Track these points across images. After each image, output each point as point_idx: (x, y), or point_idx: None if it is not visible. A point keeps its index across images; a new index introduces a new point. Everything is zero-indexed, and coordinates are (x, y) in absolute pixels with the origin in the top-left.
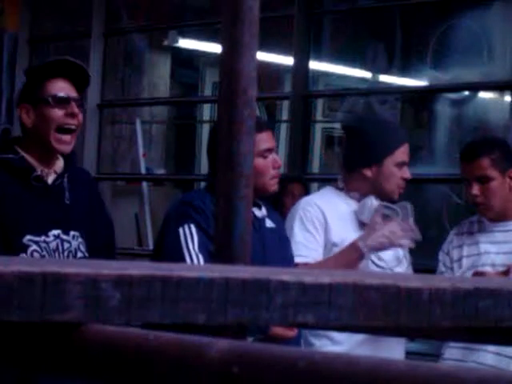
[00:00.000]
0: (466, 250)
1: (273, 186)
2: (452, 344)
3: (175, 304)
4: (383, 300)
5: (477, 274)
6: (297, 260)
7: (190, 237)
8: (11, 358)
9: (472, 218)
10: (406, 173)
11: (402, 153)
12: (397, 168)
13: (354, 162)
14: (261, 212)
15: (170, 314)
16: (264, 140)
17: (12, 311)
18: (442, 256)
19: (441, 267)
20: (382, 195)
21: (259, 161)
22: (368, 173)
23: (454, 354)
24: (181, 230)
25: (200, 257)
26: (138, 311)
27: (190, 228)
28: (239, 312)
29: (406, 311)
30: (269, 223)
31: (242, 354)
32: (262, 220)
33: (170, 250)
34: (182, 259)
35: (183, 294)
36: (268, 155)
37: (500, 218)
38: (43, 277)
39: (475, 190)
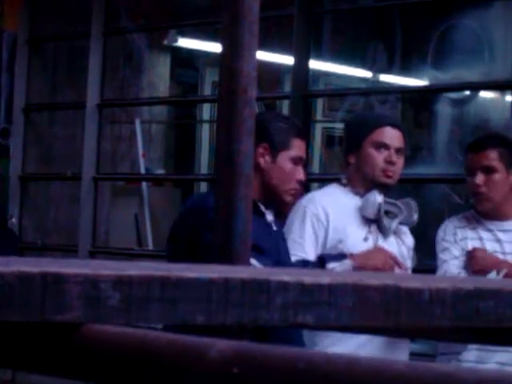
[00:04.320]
0: (469, 244)
1: (289, 197)
2: (469, 346)
3: (174, 304)
4: (383, 300)
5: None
6: (292, 259)
7: None
8: (11, 358)
9: (465, 213)
10: (390, 156)
11: (379, 134)
12: (375, 150)
13: (344, 152)
14: (270, 216)
15: (170, 314)
16: (300, 147)
17: (12, 311)
18: (448, 244)
19: (446, 255)
20: (369, 181)
21: (289, 165)
22: (352, 159)
23: (471, 356)
24: None
25: (251, 260)
26: (137, 311)
27: None
28: (239, 312)
29: (406, 311)
30: (274, 226)
31: (242, 355)
32: (271, 224)
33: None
34: None
35: (182, 294)
36: (298, 164)
37: (497, 216)
38: (43, 277)
39: (479, 179)
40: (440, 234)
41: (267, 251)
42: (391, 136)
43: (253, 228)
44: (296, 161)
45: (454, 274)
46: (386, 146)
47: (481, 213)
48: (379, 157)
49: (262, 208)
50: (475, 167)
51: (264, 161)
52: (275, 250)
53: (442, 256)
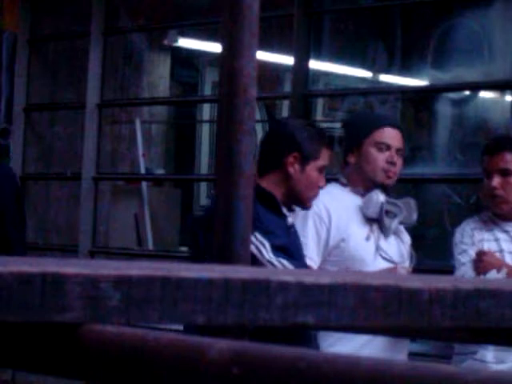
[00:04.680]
0: (486, 246)
1: (310, 203)
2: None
3: (175, 304)
4: (383, 300)
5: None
6: None
7: (262, 245)
8: (11, 358)
9: (481, 215)
10: (391, 156)
11: (381, 134)
12: (377, 150)
13: (343, 152)
14: (291, 218)
15: (170, 314)
16: (327, 156)
17: (12, 311)
18: (466, 246)
19: (465, 257)
20: (371, 180)
21: (315, 174)
22: (351, 159)
23: (489, 356)
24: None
25: (282, 260)
26: (137, 311)
27: (256, 237)
28: (239, 312)
29: (406, 311)
30: (293, 229)
31: (242, 355)
32: (291, 226)
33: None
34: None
35: (183, 294)
36: (322, 172)
37: (510, 216)
38: (43, 277)
39: (495, 182)
40: (457, 236)
41: (293, 253)
42: (392, 136)
43: (280, 230)
44: (321, 169)
45: (473, 276)
46: (387, 147)
47: (497, 214)
48: (380, 157)
49: (285, 211)
50: (492, 170)
51: (293, 169)
52: (296, 252)
53: (460, 258)
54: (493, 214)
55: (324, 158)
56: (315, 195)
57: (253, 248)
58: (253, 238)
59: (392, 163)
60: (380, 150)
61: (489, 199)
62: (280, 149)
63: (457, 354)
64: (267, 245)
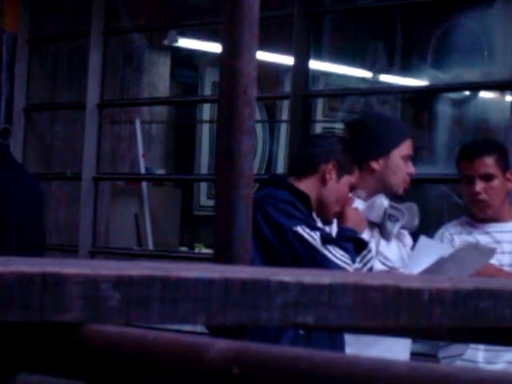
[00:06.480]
0: None
1: (333, 218)
2: (473, 345)
3: (175, 304)
4: (383, 300)
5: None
6: None
7: (315, 234)
8: (11, 359)
9: (459, 219)
10: (411, 167)
11: (407, 146)
12: (403, 161)
13: (360, 156)
14: (320, 225)
15: (170, 314)
16: (357, 177)
17: (12, 311)
18: None
19: None
20: (388, 190)
21: (347, 189)
22: (375, 166)
23: (479, 357)
24: (302, 232)
25: (336, 248)
26: (137, 312)
27: (304, 229)
28: (239, 312)
29: (406, 311)
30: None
31: (242, 355)
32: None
33: (304, 251)
34: (322, 256)
35: (183, 294)
36: (351, 191)
37: (494, 219)
38: (43, 277)
39: (479, 187)
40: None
41: None
42: (412, 147)
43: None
44: (351, 187)
45: None
46: (410, 158)
47: (477, 218)
48: (405, 169)
49: (314, 216)
50: (473, 175)
51: (330, 177)
52: None
53: None
54: (470, 217)
55: (356, 177)
56: (338, 212)
57: (307, 237)
58: (300, 229)
59: (410, 174)
60: (405, 162)
61: (472, 204)
62: (320, 154)
63: (443, 358)
64: (318, 234)
